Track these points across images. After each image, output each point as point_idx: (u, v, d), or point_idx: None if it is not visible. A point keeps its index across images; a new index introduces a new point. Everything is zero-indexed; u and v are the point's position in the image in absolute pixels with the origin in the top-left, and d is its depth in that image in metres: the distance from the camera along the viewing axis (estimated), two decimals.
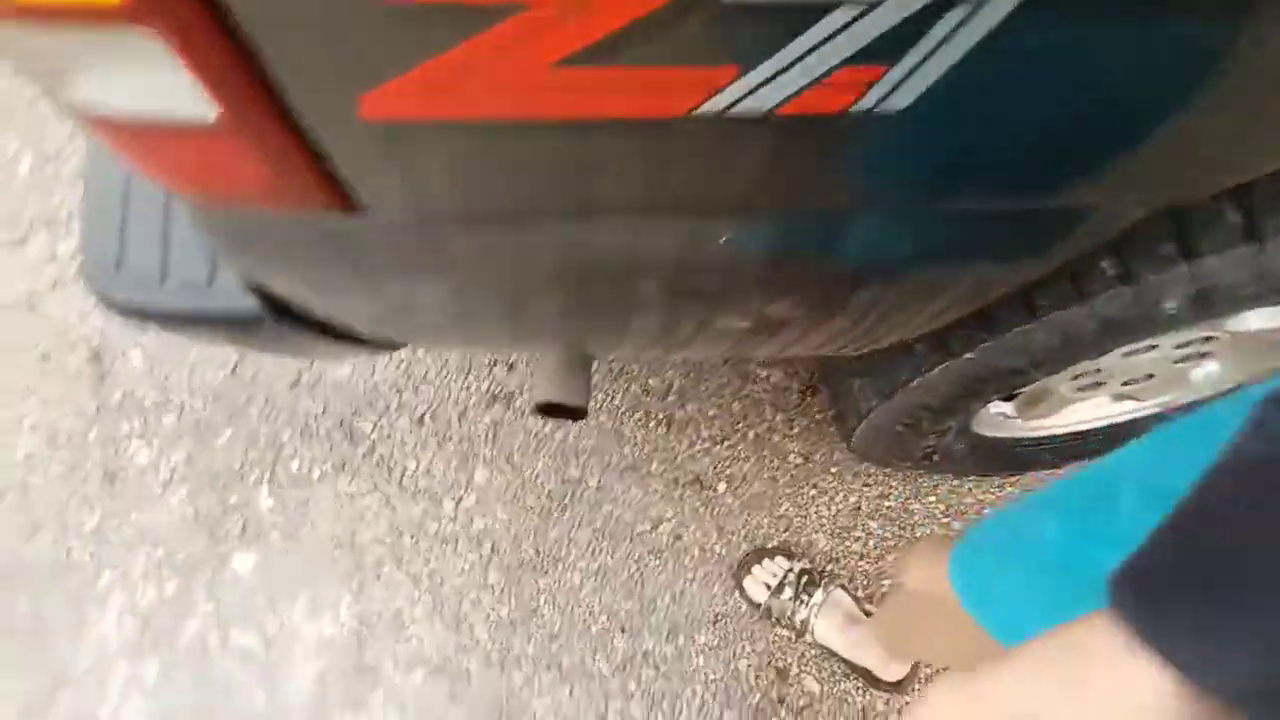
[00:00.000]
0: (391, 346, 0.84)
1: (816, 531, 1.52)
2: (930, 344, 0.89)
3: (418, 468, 1.55)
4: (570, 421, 1.17)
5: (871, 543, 1.51)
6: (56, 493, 1.57)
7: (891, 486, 1.54)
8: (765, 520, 1.53)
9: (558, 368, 1.03)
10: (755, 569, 1.42)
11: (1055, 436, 1.36)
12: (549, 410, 1.07)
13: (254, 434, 1.58)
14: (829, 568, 1.49)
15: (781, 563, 1.42)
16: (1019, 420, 1.32)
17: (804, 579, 1.39)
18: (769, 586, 1.40)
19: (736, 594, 1.46)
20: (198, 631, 1.47)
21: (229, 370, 1.62)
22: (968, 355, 0.84)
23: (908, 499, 1.54)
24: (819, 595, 1.38)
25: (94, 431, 1.60)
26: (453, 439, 1.57)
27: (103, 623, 1.48)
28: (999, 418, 1.30)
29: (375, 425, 1.57)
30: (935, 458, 1.31)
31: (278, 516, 1.53)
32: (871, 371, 1.02)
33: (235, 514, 1.54)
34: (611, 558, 1.51)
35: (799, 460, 1.57)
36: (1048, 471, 1.56)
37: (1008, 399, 1.24)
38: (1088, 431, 1.36)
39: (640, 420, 1.59)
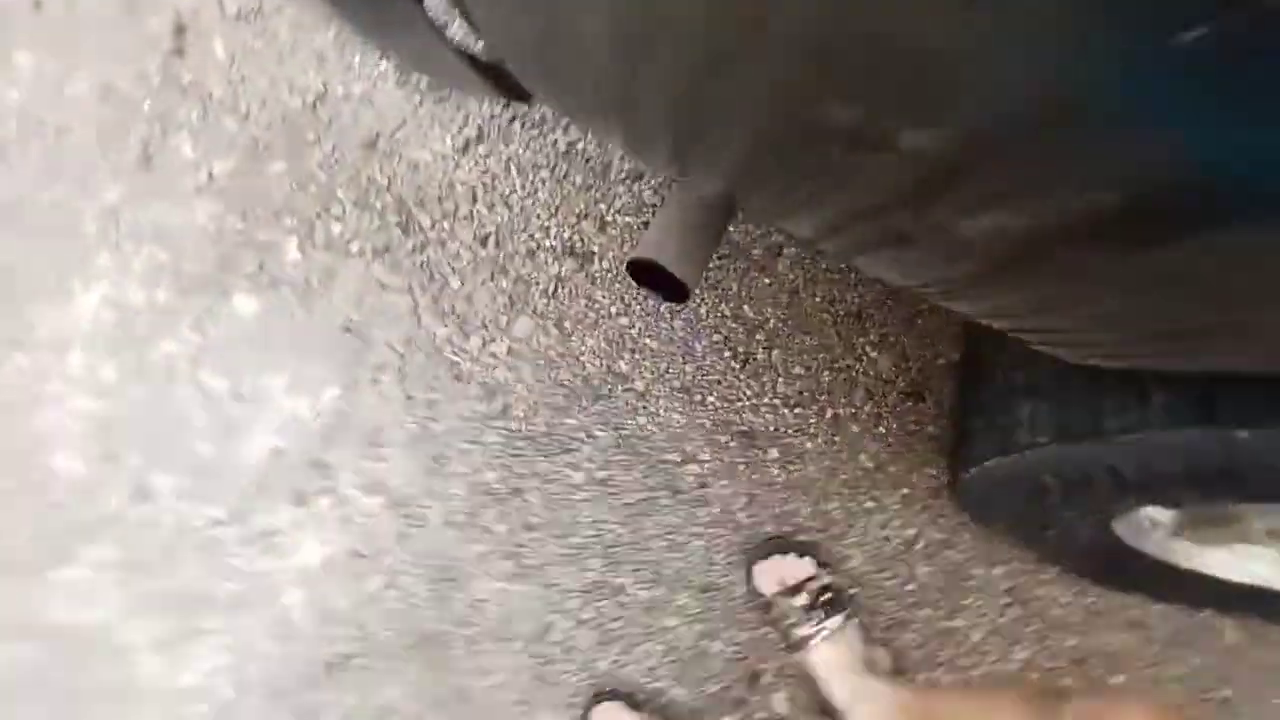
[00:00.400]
0: (507, 90, 0.61)
1: (856, 547, 1.30)
2: (1180, 395, 0.64)
3: (460, 288, 1.35)
4: (658, 300, 0.95)
5: (910, 587, 1.29)
6: (90, 150, 1.41)
7: (961, 538, 1.30)
8: (805, 510, 1.31)
9: (682, 223, 0.80)
10: (775, 559, 1.22)
11: (1189, 572, 1.10)
12: (643, 274, 0.84)
13: (308, 179, 1.39)
14: (852, 592, 1.28)
15: (807, 567, 1.22)
16: (1163, 534, 1.06)
17: (824, 595, 1.18)
18: (783, 585, 1.20)
19: (742, 574, 1.27)
20: (171, 354, 1.33)
21: (309, 101, 1.42)
22: (1242, 433, 0.59)
23: (972, 559, 1.30)
24: (835, 621, 1.17)
25: (149, 104, 1.43)
26: (509, 275, 1.36)
27: (83, 302, 1.35)
28: (1145, 523, 1.04)
29: (435, 225, 1.37)
30: (1048, 534, 1.06)
31: (298, 274, 1.36)
32: (1065, 399, 0.77)
33: (257, 252, 1.37)
34: (624, 474, 1.32)
35: (869, 464, 1.34)
36: (1143, 600, 1.31)
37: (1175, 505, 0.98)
38: (1225, 585, 1.10)
39: (716, 345, 1.36)
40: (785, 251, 1.35)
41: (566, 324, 1.35)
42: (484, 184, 1.36)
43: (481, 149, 1.36)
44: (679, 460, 1.33)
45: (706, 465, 1.33)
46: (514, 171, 1.36)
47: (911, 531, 1.32)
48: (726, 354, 1.35)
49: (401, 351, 1.33)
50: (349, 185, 1.37)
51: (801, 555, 1.23)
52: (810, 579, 1.20)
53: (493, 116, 1.35)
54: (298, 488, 1.30)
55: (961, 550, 1.30)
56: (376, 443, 1.32)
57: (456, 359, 1.34)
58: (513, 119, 1.35)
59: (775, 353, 1.35)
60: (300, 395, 1.32)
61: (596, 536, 1.30)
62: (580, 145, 1.35)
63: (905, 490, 1.33)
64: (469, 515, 1.30)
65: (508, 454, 1.32)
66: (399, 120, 1.36)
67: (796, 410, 1.35)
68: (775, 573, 1.22)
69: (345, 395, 1.33)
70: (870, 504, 1.33)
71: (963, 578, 1.30)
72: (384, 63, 1.35)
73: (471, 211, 1.36)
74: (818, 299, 1.36)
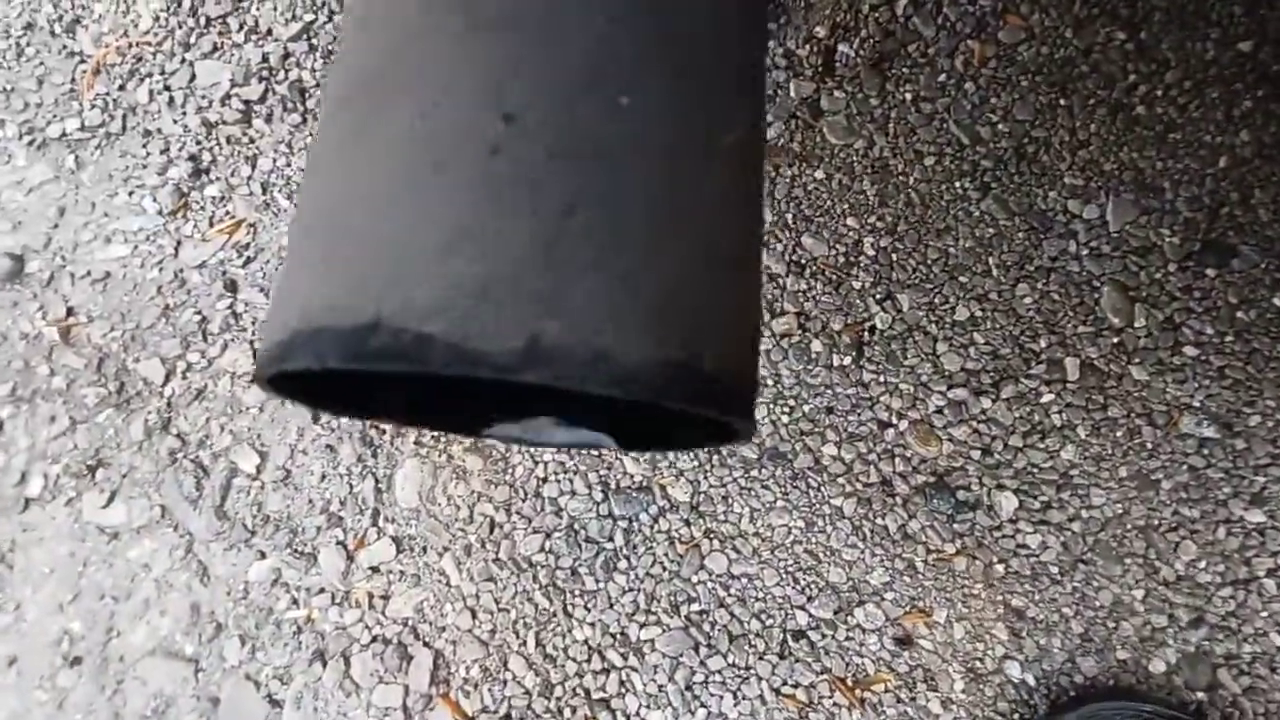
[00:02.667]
0: None
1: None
2: None
3: (275, 473, 0.66)
4: (616, 452, 0.26)
5: None
6: None
7: None
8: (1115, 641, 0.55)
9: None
10: None
11: None
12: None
13: None
14: None
15: None
16: None
17: None
18: None
19: None
20: None
21: None
22: None
23: None
24: None
25: None
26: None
27: None
28: None
29: (174, 371, 0.69)
30: None
31: None
32: None
33: None
34: None
35: (1209, 433, 0.60)
36: None
37: None
38: None
39: (793, 341, 0.66)
40: (829, 99, 0.69)
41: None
42: (246, 258, 0.70)
43: (212, 190, 0.72)
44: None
45: (904, 623, 0.58)
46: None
47: None
48: (816, 346, 0.65)
49: (190, 658, 0.61)
50: None
51: None
52: None
53: (213, 125, 0.72)
54: None
55: None
56: None
57: (305, 613, 0.61)
58: (242, 125, 0.73)
59: (904, 299, 0.65)
60: None
61: None
62: None
63: None
64: None
65: None
66: (53, 209, 0.72)
67: (1008, 393, 0.63)
68: None
69: None
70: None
71: None
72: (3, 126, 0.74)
73: (233, 317, 0.69)
74: (929, 159, 0.68)
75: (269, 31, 0.73)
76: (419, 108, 0.16)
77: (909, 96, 0.70)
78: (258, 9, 0.74)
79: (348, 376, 0.21)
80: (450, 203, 0.15)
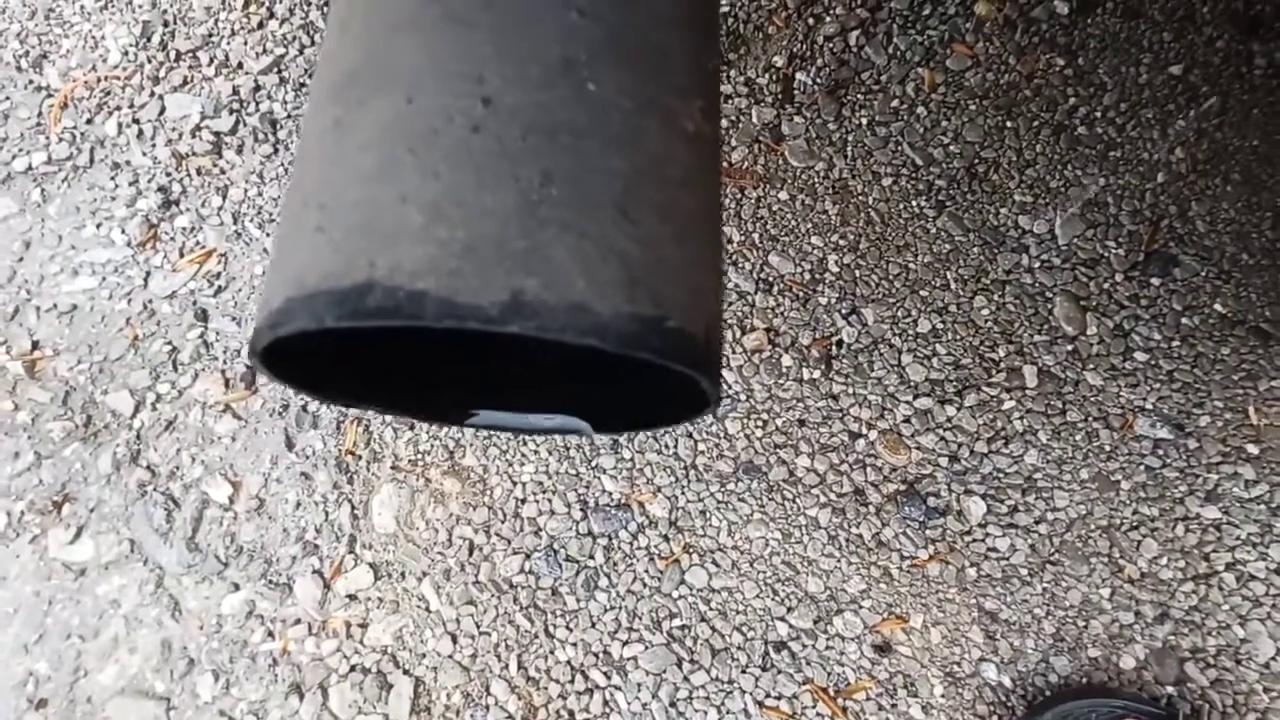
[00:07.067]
0: None
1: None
2: None
3: (250, 501, 0.63)
4: (585, 435, 0.28)
5: None
6: None
7: None
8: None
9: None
10: None
11: None
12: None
13: None
14: None
15: None
16: None
17: None
18: None
19: None
20: None
21: None
22: None
23: None
24: None
25: None
26: (321, 425, 0.66)
27: None
28: None
29: (140, 406, 0.67)
30: None
31: None
32: None
33: None
34: None
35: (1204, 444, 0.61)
36: None
37: None
38: None
39: (764, 357, 0.66)
40: (789, 124, 0.70)
41: (467, 460, 0.63)
42: (217, 288, 0.69)
43: (182, 221, 0.70)
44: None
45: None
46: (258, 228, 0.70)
47: None
48: (787, 361, 0.65)
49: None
50: None
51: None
52: None
53: (183, 156, 0.71)
54: None
55: None
56: None
57: (281, 645, 0.59)
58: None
59: (869, 313, 0.66)
60: None
61: None
62: None
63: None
64: None
65: None
66: (18, 243, 0.70)
67: (971, 401, 0.63)
68: None
69: None
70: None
71: None
72: None
73: (204, 346, 0.67)
74: (886, 180, 0.70)
75: (240, 65, 0.72)
76: (404, 93, 0.16)
77: (865, 121, 0.72)
78: (228, 43, 0.73)
79: (338, 352, 0.21)
80: (436, 175, 0.16)
